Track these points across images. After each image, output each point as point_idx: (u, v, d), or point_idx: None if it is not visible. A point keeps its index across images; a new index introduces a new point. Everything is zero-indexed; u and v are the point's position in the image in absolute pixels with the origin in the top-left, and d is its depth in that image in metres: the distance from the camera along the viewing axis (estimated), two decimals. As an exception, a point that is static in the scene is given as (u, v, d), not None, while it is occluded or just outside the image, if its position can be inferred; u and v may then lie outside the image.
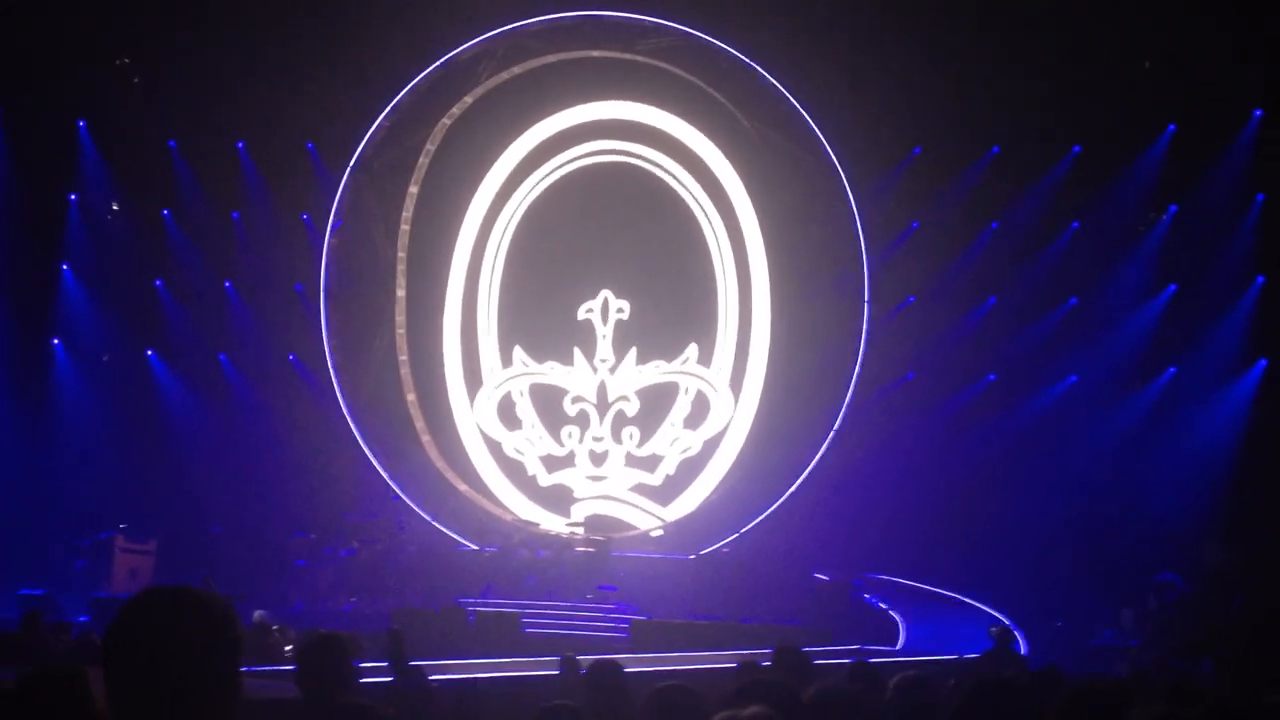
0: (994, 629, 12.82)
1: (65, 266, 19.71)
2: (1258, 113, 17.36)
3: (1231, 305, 17.36)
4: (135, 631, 2.27)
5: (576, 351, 20.10)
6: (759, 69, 18.91)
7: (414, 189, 20.63)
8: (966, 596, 17.14)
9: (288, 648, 12.16)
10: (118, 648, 2.27)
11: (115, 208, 20.35)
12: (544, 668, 10.92)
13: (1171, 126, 17.91)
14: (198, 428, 19.87)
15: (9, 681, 4.51)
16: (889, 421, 18.52)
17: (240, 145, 20.11)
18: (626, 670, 5.92)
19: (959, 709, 3.38)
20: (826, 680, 4.95)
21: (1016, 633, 14.29)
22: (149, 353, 19.96)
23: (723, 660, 11.84)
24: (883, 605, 17.37)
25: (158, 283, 19.97)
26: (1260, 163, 17.12)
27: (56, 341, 19.71)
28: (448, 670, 11.29)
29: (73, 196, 19.77)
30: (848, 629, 15.78)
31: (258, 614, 14.40)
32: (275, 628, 13.45)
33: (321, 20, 19.11)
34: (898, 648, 15.79)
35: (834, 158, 18.73)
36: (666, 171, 20.22)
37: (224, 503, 19.09)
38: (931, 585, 17.72)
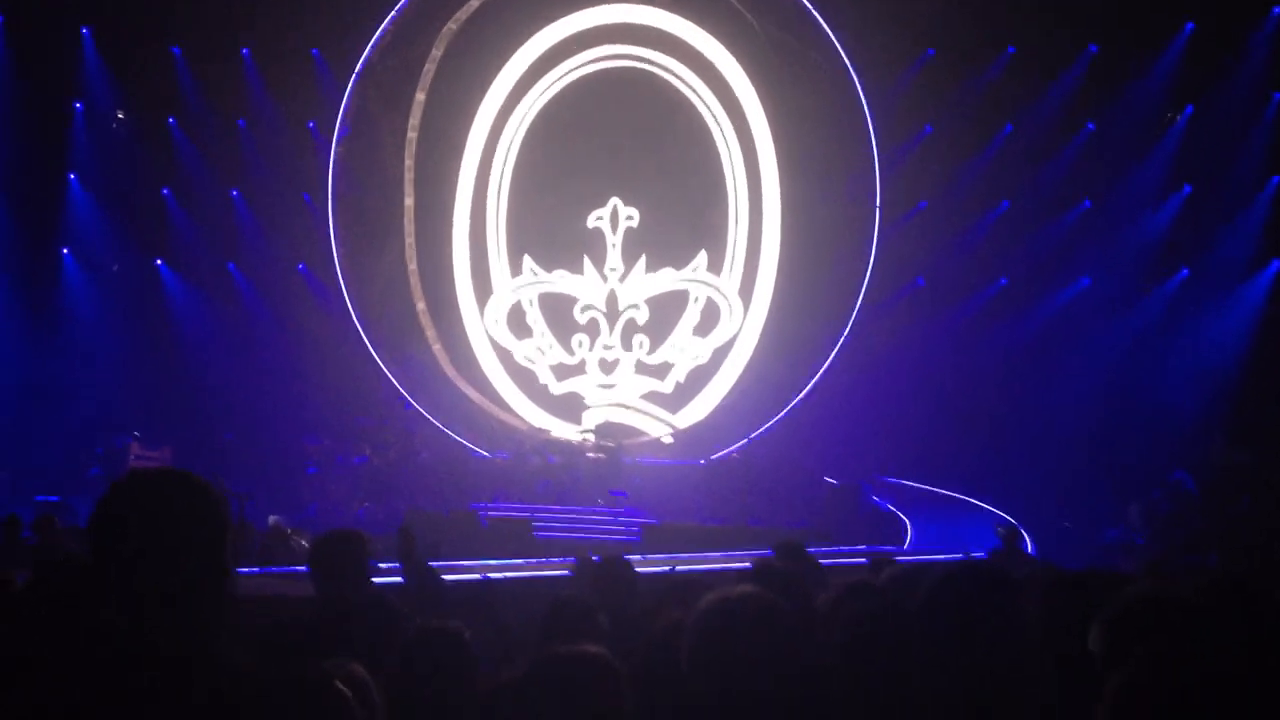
0: (1001, 528, 12.91)
1: (72, 176, 19.63)
2: (1276, 10, 17.05)
3: (1246, 206, 17.20)
4: (119, 511, 2.26)
5: (586, 260, 20.03)
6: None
7: (421, 96, 20.41)
8: (976, 498, 17.25)
9: (303, 549, 12.31)
10: (102, 527, 2.27)
11: (120, 116, 20.20)
12: (557, 570, 11.05)
13: (1189, 25, 17.60)
14: (208, 336, 19.95)
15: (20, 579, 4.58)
16: (900, 327, 18.49)
17: (245, 52, 19.89)
18: (641, 569, 5.99)
19: (934, 585, 3.38)
20: (853, 576, 5.02)
21: (1023, 532, 14.42)
22: (158, 262, 19.97)
23: (732, 561, 11.98)
24: (891, 508, 17.49)
25: (165, 192, 19.90)
26: (1278, 60, 16.84)
27: (65, 251, 19.71)
28: (460, 571, 11.43)
29: (78, 105, 19.63)
30: (856, 531, 15.91)
31: (273, 518, 14.56)
32: (291, 531, 13.62)
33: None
34: (905, 548, 15.92)
35: (846, 60, 18.47)
36: (676, 76, 19.96)
37: (236, 410, 19.22)
38: (941, 488, 17.83)
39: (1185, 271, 17.57)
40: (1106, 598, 3.06)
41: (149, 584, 2.21)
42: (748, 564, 6.32)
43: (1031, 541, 14.75)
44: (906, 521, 16.91)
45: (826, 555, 11.39)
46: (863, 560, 10.20)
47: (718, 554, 13.36)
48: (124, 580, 2.23)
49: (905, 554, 14.90)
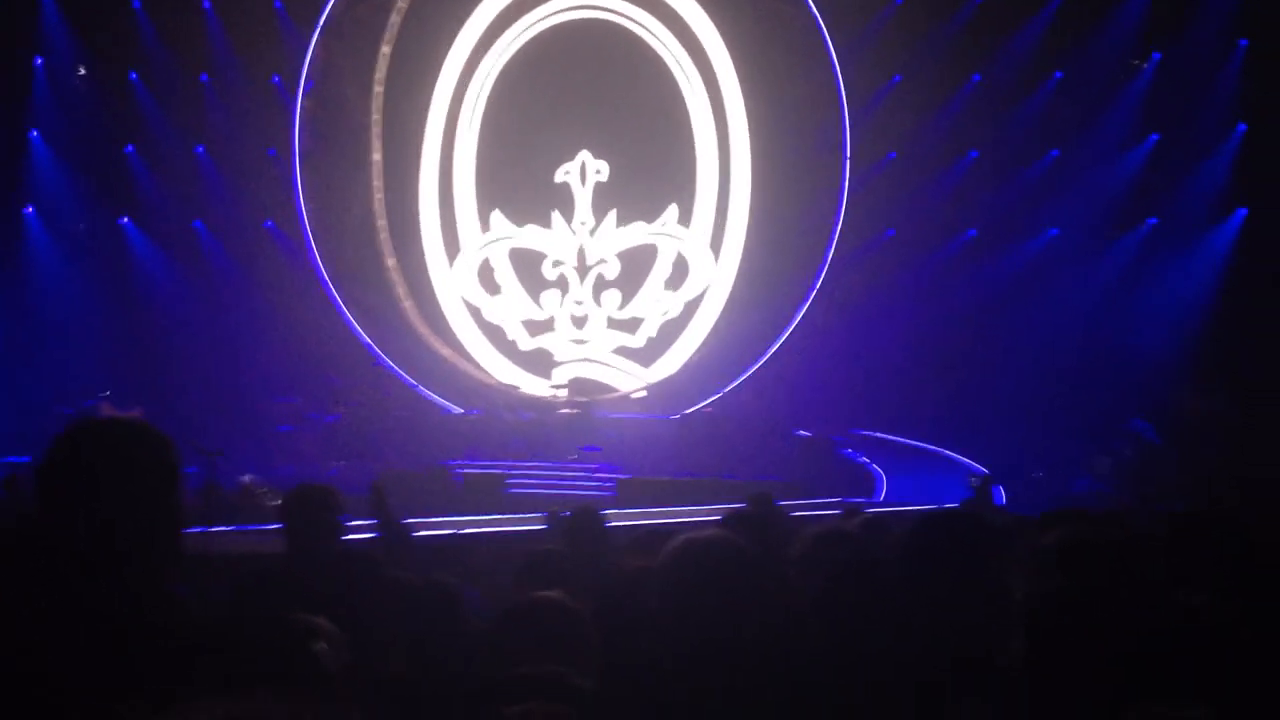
0: (974, 478, 13.02)
1: (34, 133, 19.32)
2: (1243, -43, 17.04)
3: (1213, 154, 17.26)
4: (66, 457, 2.23)
5: (555, 214, 19.94)
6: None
7: (386, 49, 20.19)
8: (948, 449, 17.36)
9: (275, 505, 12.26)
10: (49, 472, 2.23)
11: (82, 72, 19.86)
12: (529, 524, 11.06)
13: (1156, -30, 17.58)
14: (176, 295, 19.75)
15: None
16: (870, 279, 18.53)
17: (206, 5, 19.58)
18: (613, 524, 6.02)
19: (911, 530, 3.41)
20: (827, 523, 5.05)
21: (995, 483, 14.54)
22: (123, 220, 19.73)
23: (705, 514, 12.02)
24: (864, 460, 17.59)
25: (128, 149, 19.63)
26: (1245, 6, 16.85)
27: (29, 209, 19.44)
28: (434, 528, 11.43)
29: (38, 60, 19.29)
30: (829, 483, 15.98)
31: (245, 477, 14.52)
32: (263, 490, 13.58)
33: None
34: (878, 499, 16.02)
35: (814, 9, 18.38)
36: (643, 27, 19.81)
37: (207, 369, 19.08)
38: (913, 440, 17.93)
39: (1153, 220, 17.64)
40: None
41: (98, 529, 2.18)
42: (719, 517, 6.35)
43: (1003, 492, 14.87)
44: (879, 474, 17.01)
45: (799, 507, 11.46)
46: (835, 511, 10.26)
47: (691, 507, 13.40)
48: (72, 525, 2.20)
49: (878, 506, 15.01)
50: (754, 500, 6.34)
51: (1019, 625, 3.10)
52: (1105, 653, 2.61)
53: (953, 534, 3.31)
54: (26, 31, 19.05)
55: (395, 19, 20.05)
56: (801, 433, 17.80)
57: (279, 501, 12.17)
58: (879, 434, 18.32)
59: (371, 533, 8.29)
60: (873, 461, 17.60)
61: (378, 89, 20.23)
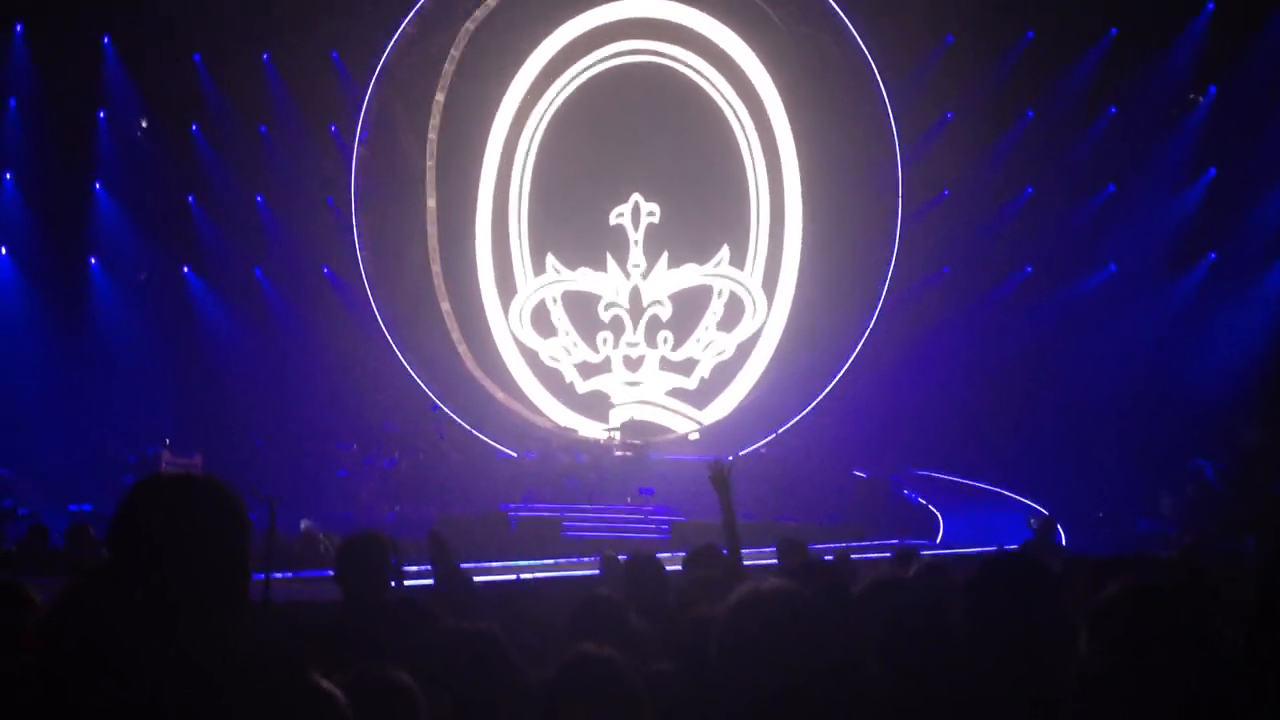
0: (1034, 519, 12.82)
1: (98, 185, 19.74)
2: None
3: (1272, 188, 17.01)
4: (139, 513, 2.25)
5: (609, 257, 20.01)
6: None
7: (440, 96, 20.44)
8: (1006, 489, 17.13)
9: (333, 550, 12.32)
10: (122, 528, 2.26)
11: (144, 124, 20.28)
12: (587, 569, 11.04)
13: (1210, 5, 17.43)
14: (237, 341, 20.03)
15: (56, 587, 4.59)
16: (925, 316, 18.39)
17: (265, 57, 19.96)
18: (668, 568, 5.97)
19: (973, 580, 3.36)
20: (881, 568, 4.99)
21: (1056, 523, 14.30)
22: (185, 269, 20.06)
23: (762, 557, 11.93)
24: (922, 500, 17.40)
25: (190, 198, 19.99)
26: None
27: (93, 260, 19.82)
28: (491, 573, 11.44)
29: (101, 114, 19.73)
30: (887, 525, 15.84)
31: (304, 523, 14.60)
32: (322, 535, 13.64)
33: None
34: (937, 541, 15.84)
35: (865, 50, 18.38)
36: (695, 70, 19.92)
37: (266, 415, 19.28)
38: (971, 479, 17.72)
39: (1213, 255, 17.39)
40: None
41: (168, 585, 2.21)
42: (774, 560, 6.29)
43: (1064, 533, 14.63)
44: (938, 514, 16.82)
45: (857, 550, 11.36)
46: (888, 554, 10.14)
47: (748, 550, 13.30)
48: (143, 581, 2.22)
49: (937, 548, 14.85)
50: (783, 544, 6.26)
51: (1082, 674, 3.04)
52: (1169, 703, 2.55)
53: (1015, 583, 3.26)
54: (91, 85, 19.50)
55: (449, 67, 20.31)
56: (858, 473, 17.65)
57: (330, 544, 12.24)
58: (936, 473, 18.13)
59: (430, 579, 8.32)
60: (931, 502, 17.41)
61: (432, 136, 20.47)
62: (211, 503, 2.28)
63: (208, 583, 2.23)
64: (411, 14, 19.77)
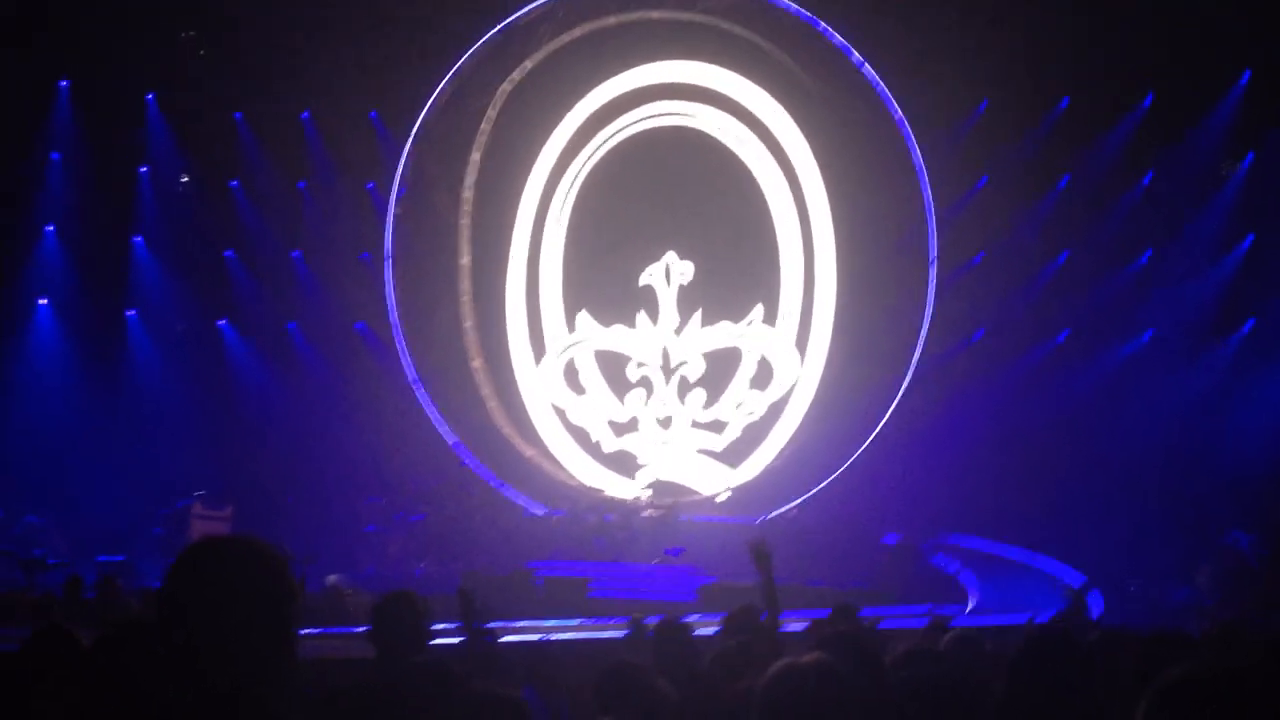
0: (1068, 590, 12.66)
1: (138, 239, 20.03)
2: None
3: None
4: (190, 579, 2.28)
5: (641, 315, 20.06)
6: (820, 25, 18.68)
7: (476, 155, 20.66)
8: (1039, 557, 16.92)
9: (361, 609, 12.31)
10: (173, 593, 2.28)
11: (184, 180, 20.61)
12: (614, 630, 10.96)
13: (1247, 72, 17.44)
14: (270, 396, 20.17)
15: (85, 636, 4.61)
16: (959, 381, 18.30)
17: (305, 116, 20.26)
18: (696, 632, 5.93)
19: (1015, 660, 3.33)
20: (913, 640, 4.94)
21: (1089, 594, 14.12)
22: (221, 323, 20.27)
23: (791, 621, 11.82)
24: (952, 567, 17.21)
25: (228, 254, 20.24)
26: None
27: (131, 312, 20.06)
28: (518, 632, 11.38)
29: (143, 169, 20.06)
30: (917, 591, 15.66)
31: (331, 578, 14.62)
32: (349, 591, 13.64)
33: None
34: (967, 610, 15.64)
35: (899, 114, 18.46)
36: (728, 132, 20.05)
37: (296, 469, 19.36)
38: (1003, 546, 17.52)
39: (1252, 321, 17.27)
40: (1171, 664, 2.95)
41: (219, 651, 2.23)
42: (806, 623, 6.23)
43: (1097, 602, 14.44)
44: (969, 581, 16.63)
45: (886, 616, 11.23)
46: (922, 622, 10.03)
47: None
48: (194, 647, 2.24)
49: (967, 616, 14.67)
50: (838, 612, 6.19)
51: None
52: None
53: (1056, 664, 3.21)
54: (133, 142, 19.86)
55: (485, 127, 20.56)
56: (889, 538, 17.50)
57: (363, 602, 12.23)
58: (968, 539, 17.93)
59: (457, 638, 8.28)
60: (962, 568, 17.22)
61: (467, 193, 20.67)
62: (261, 569, 2.30)
63: (255, 649, 2.25)
64: (450, 75, 20.04)
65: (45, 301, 19.68)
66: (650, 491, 19.12)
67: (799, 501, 18.28)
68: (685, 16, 19.69)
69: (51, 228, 19.62)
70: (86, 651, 4.33)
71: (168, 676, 2.28)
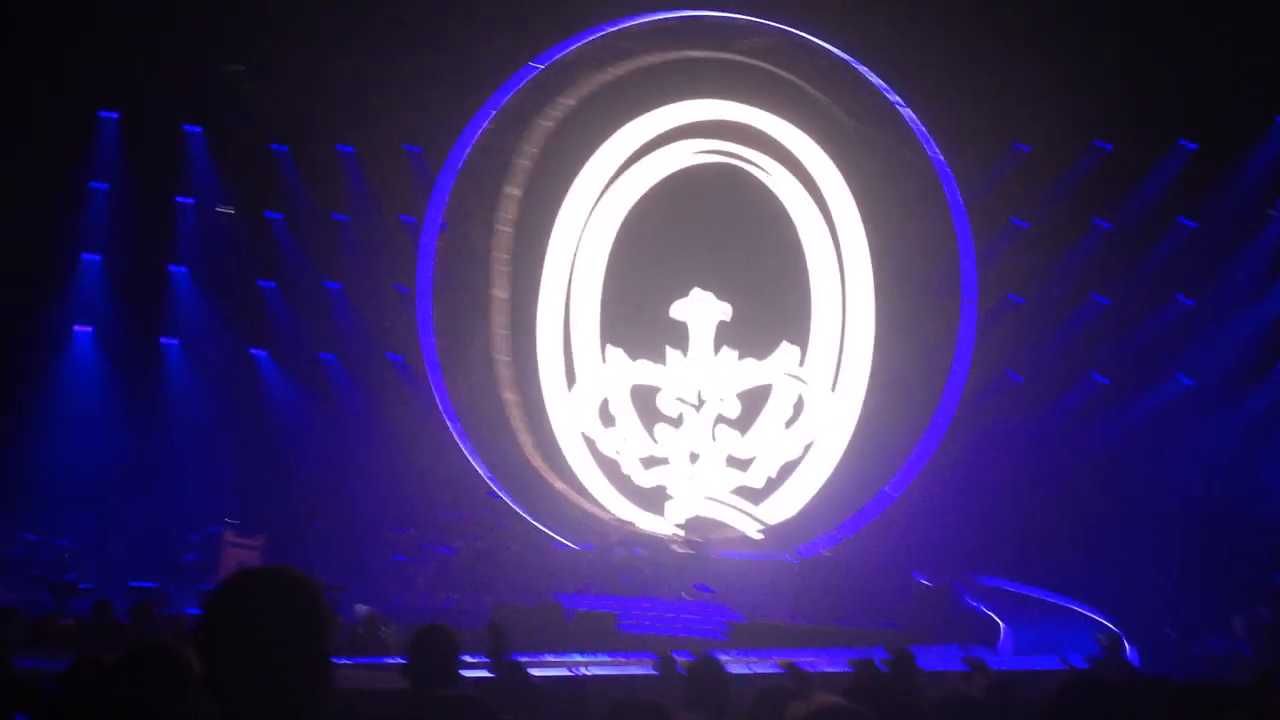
0: (1103, 636, 12.53)
1: (176, 268, 20.25)
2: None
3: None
4: (228, 608, 2.30)
5: (672, 351, 20.06)
6: (858, 66, 18.75)
7: (513, 191, 20.82)
8: (1073, 601, 16.76)
9: (391, 639, 12.31)
10: (211, 623, 2.31)
11: (226, 210, 20.83)
12: (643, 665, 10.92)
13: (1287, 118, 17.40)
14: (303, 425, 20.29)
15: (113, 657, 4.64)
16: (993, 423, 18.20)
17: (347, 150, 20.48)
18: (729, 667, 5.90)
19: (1050, 706, 3.29)
20: (949, 683, 4.91)
21: (1125, 640, 13.96)
22: (257, 352, 20.43)
23: (821, 662, 11.75)
24: (985, 608, 17.06)
25: (265, 283, 20.42)
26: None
27: (169, 341, 20.25)
28: (546, 665, 11.36)
29: (184, 200, 20.30)
30: (949, 633, 15.53)
31: (363, 608, 14.62)
32: (378, 620, 13.64)
33: (421, 24, 19.39)
34: (998, 653, 15.49)
35: (936, 156, 18.47)
36: (764, 171, 20.09)
37: (328, 499, 19.43)
38: (1037, 589, 17.35)
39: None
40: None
41: (257, 680, 2.25)
42: (833, 665, 6.18)
43: (1132, 649, 14.27)
44: (1001, 624, 16.48)
45: (919, 656, 11.12)
46: (955, 664, 9.93)
47: (809, 654, 13.12)
48: (232, 675, 2.26)
49: (998, 657, 14.53)
50: (896, 656, 6.13)
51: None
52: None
53: (1089, 711, 3.18)
54: (175, 173, 20.13)
55: (523, 163, 20.72)
56: (921, 579, 17.37)
57: (390, 631, 12.22)
58: (1001, 582, 17.78)
59: (487, 671, 8.28)
60: (995, 610, 17.06)
61: (504, 229, 20.81)
62: (299, 600, 2.32)
63: (293, 680, 2.26)
64: (488, 110, 20.21)
65: (85, 329, 19.89)
66: (682, 529, 19.06)
67: (834, 544, 18.20)
68: (723, 56, 19.81)
69: (94, 256, 19.86)
70: (113, 675, 4.36)
71: (205, 704, 2.30)
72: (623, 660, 12.82)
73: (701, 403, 19.84)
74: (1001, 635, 16.20)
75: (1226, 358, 17.46)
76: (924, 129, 18.51)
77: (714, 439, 19.75)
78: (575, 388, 20.43)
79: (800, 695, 4.05)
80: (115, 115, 19.81)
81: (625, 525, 19.53)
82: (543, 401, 20.65)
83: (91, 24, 18.60)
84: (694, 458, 19.81)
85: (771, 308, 19.65)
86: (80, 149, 19.72)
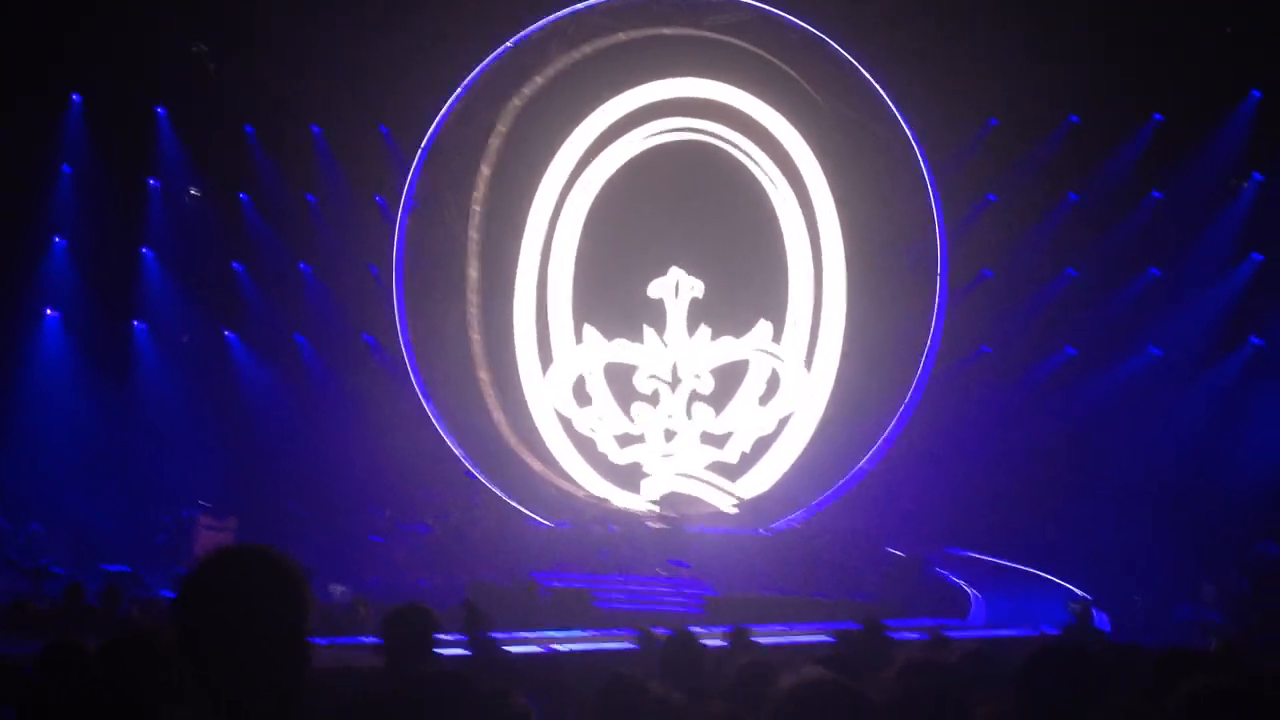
0: (1074, 604, 12.65)
1: (146, 250, 20.10)
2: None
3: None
4: (206, 588, 2.29)
5: (649, 329, 20.08)
6: (829, 41, 18.75)
7: (485, 170, 20.75)
8: (1044, 571, 16.92)
9: (368, 619, 12.31)
10: (188, 603, 2.30)
11: (193, 193, 20.69)
12: (620, 641, 10.95)
13: (1255, 93, 17.47)
14: (276, 407, 20.22)
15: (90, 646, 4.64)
16: (964, 396, 18.32)
17: (315, 129, 20.34)
18: (705, 641, 5.93)
19: (1025, 671, 3.33)
20: (910, 649, 4.96)
21: (1095, 608, 14.10)
22: (228, 334, 20.32)
23: (796, 634, 11.83)
24: (957, 580, 17.21)
25: (236, 265, 20.31)
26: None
27: (138, 323, 20.12)
28: (523, 643, 11.38)
29: (152, 182, 20.14)
30: (921, 604, 15.67)
31: (337, 588, 14.62)
32: (353, 600, 13.64)
33: (391, 3, 19.26)
34: (968, 621, 15.63)
35: (908, 130, 18.51)
36: (737, 148, 20.09)
37: (302, 480, 19.40)
38: (1009, 560, 17.52)
39: (1257, 340, 17.28)
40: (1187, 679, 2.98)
41: (235, 660, 2.24)
42: (811, 637, 6.23)
43: (1102, 618, 14.41)
44: (973, 594, 16.62)
45: (892, 629, 11.21)
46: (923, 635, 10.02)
47: (782, 626, 13.20)
48: (210, 656, 2.26)
49: (969, 628, 14.66)
50: (868, 626, 6.20)
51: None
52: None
53: (1066, 675, 3.23)
54: (144, 155, 19.94)
55: (495, 141, 20.65)
56: (894, 551, 17.50)
57: (367, 611, 12.19)
58: (973, 553, 17.93)
59: (462, 648, 8.30)
60: (966, 581, 17.21)
61: (476, 207, 20.74)
62: (278, 580, 2.31)
63: (272, 659, 2.26)
64: (460, 90, 20.12)
65: (54, 312, 19.74)
66: (659, 505, 19.11)
67: (805, 514, 18.29)
68: (694, 33, 19.77)
69: (61, 240, 19.70)
70: (93, 662, 4.36)
71: (182, 686, 2.30)
72: (599, 636, 12.85)
73: (677, 380, 19.88)
74: (973, 606, 16.34)
75: (1197, 328, 17.59)
76: (895, 103, 18.53)
77: (689, 416, 19.80)
78: (551, 367, 20.43)
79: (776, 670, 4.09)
80: (79, 98, 19.60)
81: (600, 502, 19.58)
82: (518, 381, 20.64)
83: (58, 5, 18.39)
84: (669, 435, 19.87)
85: (747, 284, 19.67)
86: (47, 132, 19.51)
